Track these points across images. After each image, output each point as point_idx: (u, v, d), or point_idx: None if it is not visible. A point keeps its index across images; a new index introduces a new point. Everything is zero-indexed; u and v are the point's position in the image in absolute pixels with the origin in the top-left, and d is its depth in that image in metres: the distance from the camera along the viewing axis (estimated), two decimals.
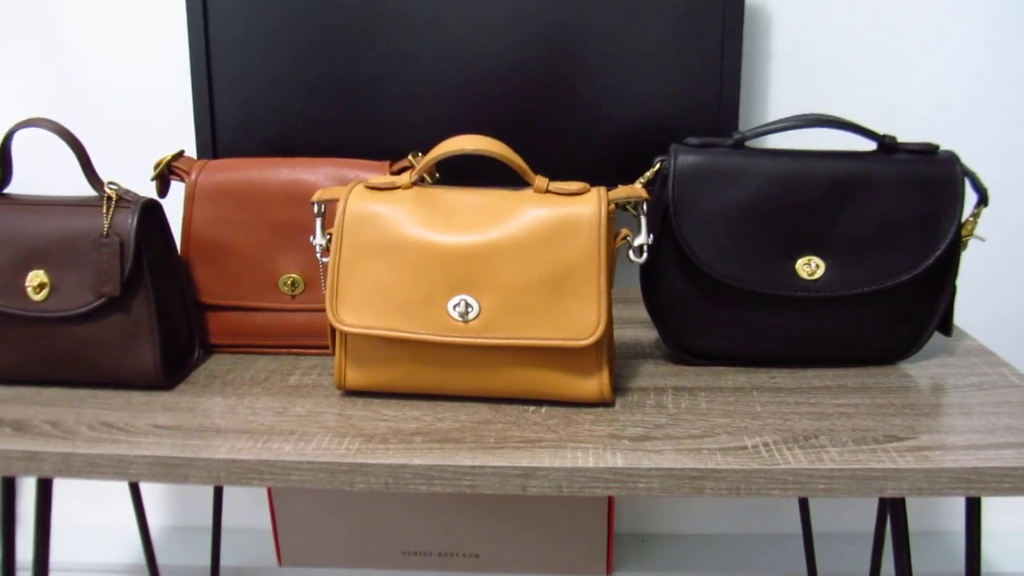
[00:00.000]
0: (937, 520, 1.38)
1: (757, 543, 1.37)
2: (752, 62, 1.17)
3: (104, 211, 0.78)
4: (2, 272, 0.78)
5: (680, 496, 0.65)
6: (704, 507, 1.38)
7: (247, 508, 1.40)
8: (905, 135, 1.18)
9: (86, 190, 1.11)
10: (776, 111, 1.19)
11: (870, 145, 0.83)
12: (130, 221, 0.77)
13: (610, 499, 1.16)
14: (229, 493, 1.39)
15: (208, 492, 1.40)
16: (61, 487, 1.41)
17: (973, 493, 0.65)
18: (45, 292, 0.78)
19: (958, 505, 1.36)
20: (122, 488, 1.40)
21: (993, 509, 1.37)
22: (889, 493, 0.65)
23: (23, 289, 0.78)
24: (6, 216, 0.79)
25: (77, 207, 0.79)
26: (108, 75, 1.21)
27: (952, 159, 0.81)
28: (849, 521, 1.38)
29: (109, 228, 0.77)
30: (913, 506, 1.36)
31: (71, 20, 1.19)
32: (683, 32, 1.04)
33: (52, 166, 1.24)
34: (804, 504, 1.23)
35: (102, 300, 0.77)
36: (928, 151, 0.82)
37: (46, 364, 0.80)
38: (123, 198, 0.79)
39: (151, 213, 0.81)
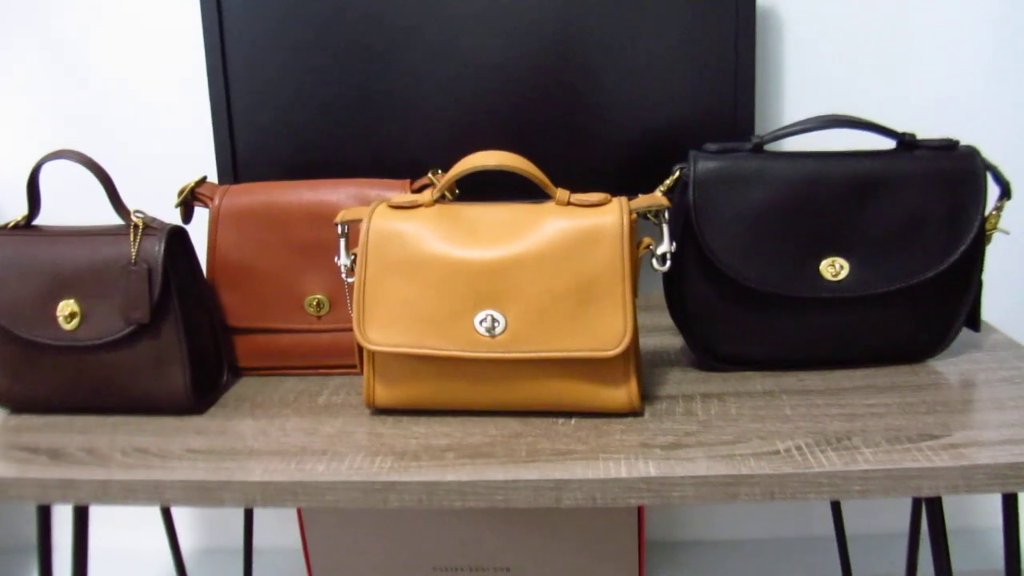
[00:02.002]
0: (972, 518, 1.36)
1: (789, 547, 1.36)
2: (765, 64, 1.17)
3: (131, 239, 0.79)
4: (33, 302, 0.79)
5: (711, 502, 0.65)
6: (735, 512, 1.38)
7: (278, 528, 1.41)
8: (923, 132, 1.18)
9: (110, 220, 1.12)
10: (791, 113, 1.19)
11: (889, 144, 0.83)
12: (157, 248, 0.78)
13: (640, 508, 1.16)
14: (259, 514, 1.40)
15: (239, 513, 1.40)
16: (92, 512, 1.42)
17: (1010, 489, 0.65)
18: (76, 321, 0.79)
19: (993, 502, 1.35)
20: (153, 512, 1.41)
21: None
22: (925, 492, 0.65)
23: (54, 319, 0.79)
24: (36, 247, 0.80)
25: (105, 236, 0.80)
26: (129, 110, 1.22)
27: (973, 153, 0.81)
28: (882, 522, 1.36)
29: (137, 255, 0.78)
30: (947, 504, 1.35)
31: (87, 46, 1.20)
32: (695, 36, 1.04)
33: (73, 198, 1.25)
34: (836, 506, 1.22)
35: (132, 327, 0.78)
36: (948, 146, 0.81)
37: (79, 392, 0.81)
38: (149, 225, 0.80)
39: (177, 239, 0.81)
